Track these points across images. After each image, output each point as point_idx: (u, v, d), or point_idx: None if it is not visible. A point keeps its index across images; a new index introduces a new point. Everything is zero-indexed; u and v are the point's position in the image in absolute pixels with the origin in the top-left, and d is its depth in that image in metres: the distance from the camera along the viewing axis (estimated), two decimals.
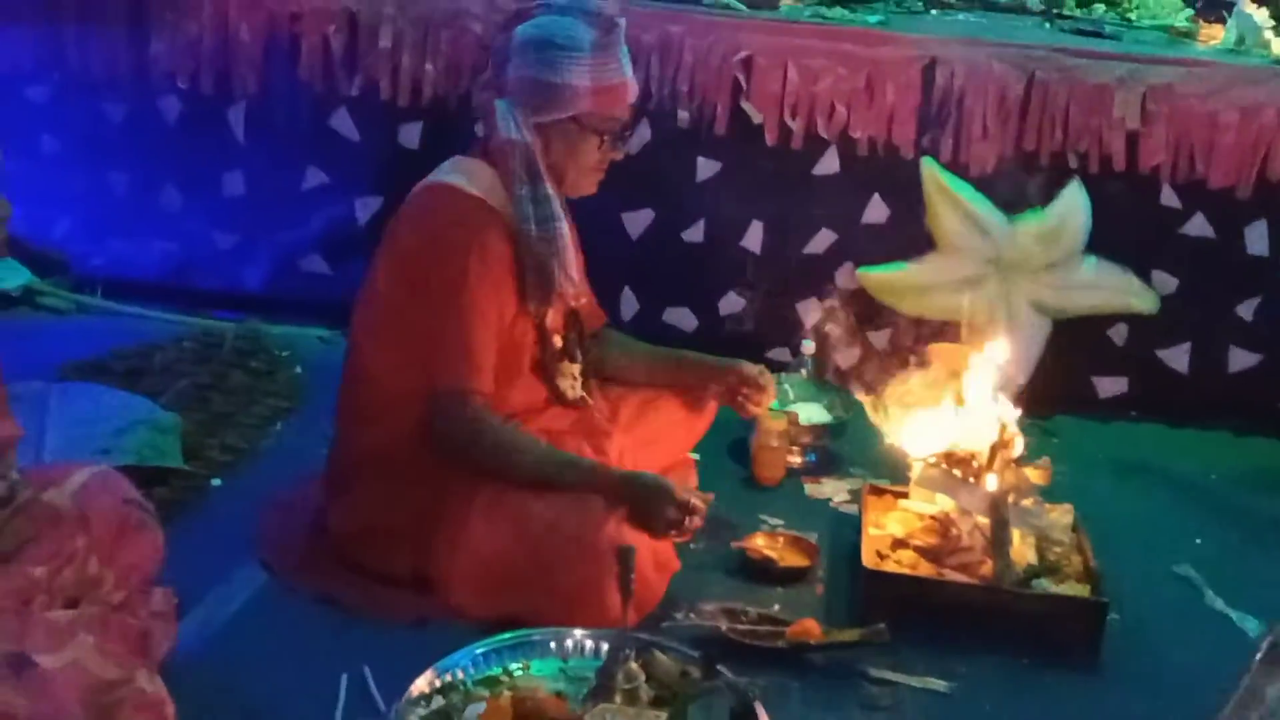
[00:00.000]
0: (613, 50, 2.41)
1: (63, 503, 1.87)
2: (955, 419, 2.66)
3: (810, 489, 3.01)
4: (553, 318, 2.53)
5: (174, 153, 3.75)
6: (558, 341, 2.56)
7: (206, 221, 3.79)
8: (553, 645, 2.15)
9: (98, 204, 3.80)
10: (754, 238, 3.59)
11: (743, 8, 3.56)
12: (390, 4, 3.55)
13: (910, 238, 3.35)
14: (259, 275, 3.79)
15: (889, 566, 2.48)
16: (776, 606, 2.44)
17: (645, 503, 2.36)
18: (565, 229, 2.44)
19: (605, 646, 2.11)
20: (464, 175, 2.45)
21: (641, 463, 2.57)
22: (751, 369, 2.79)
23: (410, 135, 3.62)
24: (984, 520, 2.49)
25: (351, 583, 2.37)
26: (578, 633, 2.17)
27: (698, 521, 2.40)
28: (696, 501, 2.39)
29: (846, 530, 2.72)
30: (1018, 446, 2.59)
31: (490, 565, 2.31)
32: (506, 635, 2.14)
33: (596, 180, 2.53)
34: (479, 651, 2.10)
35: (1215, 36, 3.83)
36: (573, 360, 2.60)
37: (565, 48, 2.38)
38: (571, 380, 2.60)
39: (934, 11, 4.00)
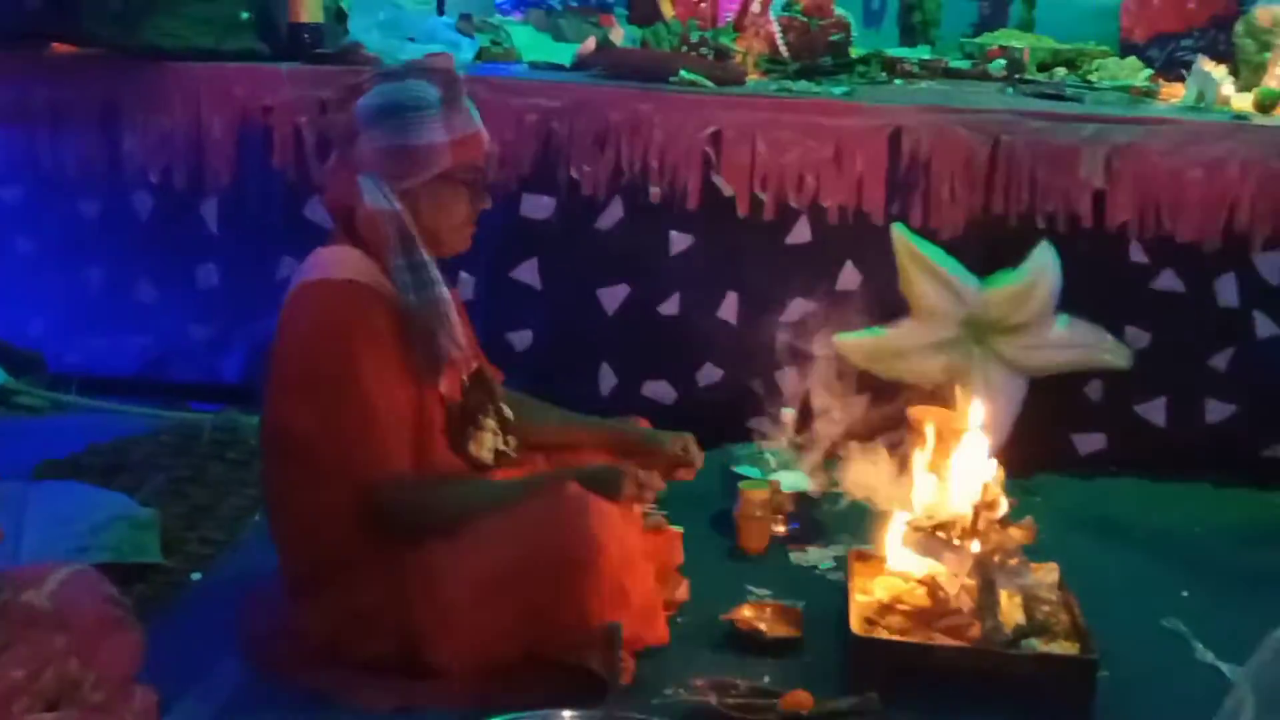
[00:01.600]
0: (458, 102, 2.40)
1: (41, 603, 1.86)
2: (934, 483, 2.66)
3: (795, 557, 3.00)
4: (448, 386, 2.45)
5: (148, 248, 3.76)
6: (458, 411, 2.50)
7: (182, 315, 3.79)
8: None
9: (72, 301, 3.80)
10: (729, 308, 3.61)
11: (710, 84, 3.60)
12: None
13: (884, 303, 3.37)
14: (235, 365, 3.78)
15: (877, 633, 2.46)
16: (766, 678, 2.42)
17: (599, 486, 2.37)
18: (446, 294, 2.39)
19: None
20: (326, 266, 2.41)
21: None
22: (676, 447, 2.69)
23: None
24: (970, 582, 2.48)
25: (334, 674, 2.34)
26: (566, 714, 2.14)
27: (653, 492, 2.43)
28: (648, 476, 2.42)
29: (833, 597, 2.70)
30: (1001, 507, 2.59)
31: (473, 593, 2.27)
32: (495, 719, 2.12)
33: (469, 234, 2.49)
34: None
35: (1176, 95, 3.89)
36: (478, 426, 2.53)
37: (416, 108, 2.35)
38: (492, 439, 2.55)
39: (898, 81, 4.06)
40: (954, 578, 2.51)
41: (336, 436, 2.31)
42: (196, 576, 2.75)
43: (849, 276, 3.57)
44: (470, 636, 2.28)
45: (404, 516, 2.34)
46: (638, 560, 2.42)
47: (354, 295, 2.35)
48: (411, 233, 2.35)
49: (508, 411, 2.61)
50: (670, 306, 3.62)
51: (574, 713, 2.14)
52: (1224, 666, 2.56)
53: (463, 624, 2.28)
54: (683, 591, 2.66)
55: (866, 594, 2.60)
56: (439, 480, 2.40)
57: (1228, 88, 3.75)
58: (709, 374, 3.65)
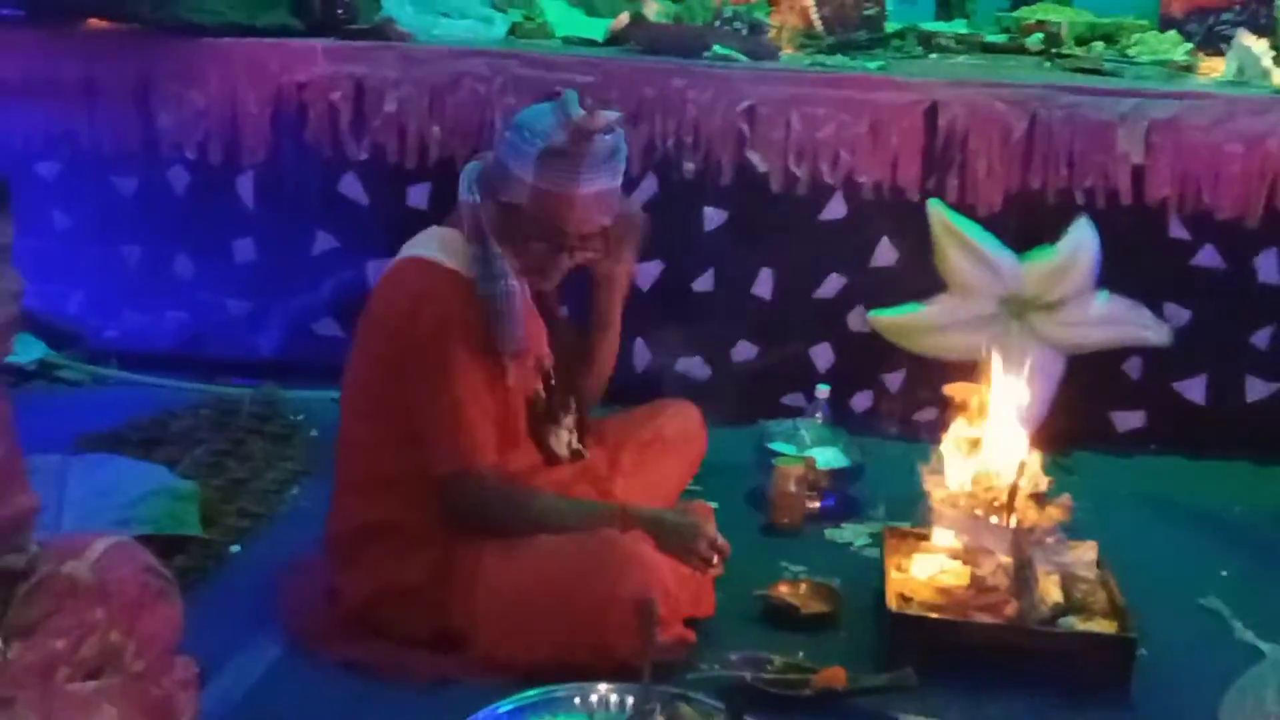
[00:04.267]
0: (573, 159, 2.31)
1: (82, 574, 1.87)
2: (971, 461, 2.65)
3: (830, 533, 3.00)
4: (516, 378, 2.42)
5: (185, 223, 3.78)
6: (537, 403, 2.52)
7: (219, 290, 3.81)
8: (577, 701, 2.14)
9: (110, 276, 3.83)
10: (764, 285, 3.60)
11: (744, 59, 3.58)
12: (395, 68, 3.59)
13: (920, 279, 3.34)
14: (272, 341, 3.80)
15: (913, 609, 2.45)
16: (801, 654, 2.42)
17: (673, 541, 2.39)
18: (515, 287, 2.35)
19: (630, 700, 2.10)
20: (437, 246, 2.43)
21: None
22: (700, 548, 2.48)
23: (419, 196, 3.65)
24: (1007, 560, 2.47)
25: (372, 646, 2.36)
26: (602, 688, 2.15)
27: (726, 554, 2.44)
28: (722, 540, 2.42)
29: (868, 574, 2.70)
30: (1039, 484, 2.58)
31: (510, 605, 2.30)
32: (531, 693, 2.13)
33: (542, 278, 2.45)
34: (503, 710, 2.09)
35: (1215, 69, 3.85)
36: (555, 420, 2.56)
37: (525, 138, 2.33)
38: (567, 436, 2.58)
39: (933, 55, 4.03)
40: (989, 555, 2.50)
41: (426, 420, 2.35)
42: (235, 549, 2.77)
43: (884, 253, 3.55)
44: (502, 642, 2.30)
45: (470, 516, 2.37)
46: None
47: (452, 287, 2.37)
48: (485, 228, 2.36)
49: (583, 412, 2.64)
50: (704, 283, 3.62)
51: (611, 686, 2.15)
52: (1263, 645, 2.54)
53: (496, 630, 2.31)
54: (718, 567, 2.65)
55: (902, 571, 2.60)
56: (516, 487, 2.43)
57: (1268, 62, 3.70)
58: (744, 350, 3.64)
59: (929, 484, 2.67)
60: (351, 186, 3.68)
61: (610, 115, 2.35)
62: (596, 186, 2.35)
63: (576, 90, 2.42)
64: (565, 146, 2.31)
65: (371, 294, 2.52)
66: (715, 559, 2.43)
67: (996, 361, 2.81)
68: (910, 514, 2.78)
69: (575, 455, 2.61)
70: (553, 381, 2.55)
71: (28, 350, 3.67)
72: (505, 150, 2.37)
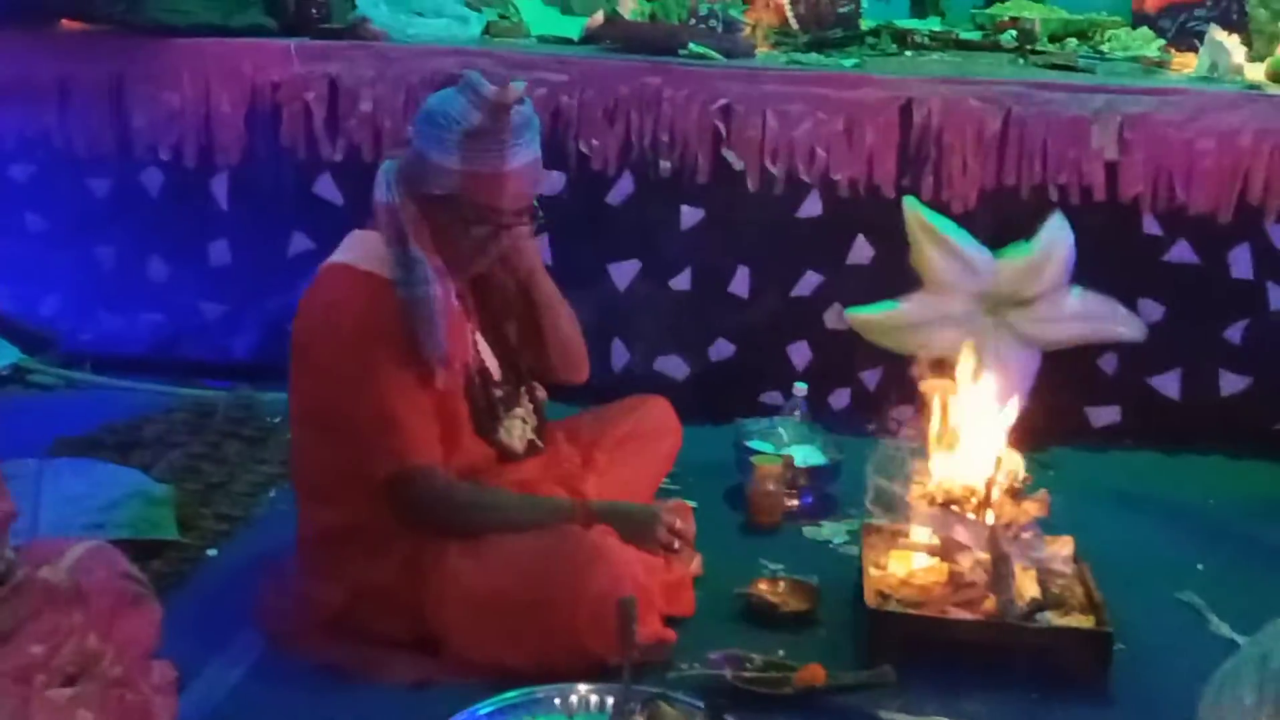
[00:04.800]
0: (495, 137, 2.29)
1: (59, 579, 1.86)
2: (947, 456, 2.66)
3: (809, 531, 3.00)
4: (444, 381, 2.39)
5: (159, 225, 3.76)
6: (478, 399, 2.50)
7: (194, 292, 3.79)
8: (558, 701, 2.14)
9: (84, 279, 3.80)
10: (741, 283, 3.60)
11: (720, 57, 3.59)
12: (369, 68, 3.58)
13: (896, 276, 3.34)
14: (248, 343, 3.78)
15: (891, 606, 2.46)
16: (781, 652, 2.43)
17: (632, 530, 2.41)
18: (436, 292, 2.32)
19: (611, 701, 2.10)
20: (356, 250, 2.41)
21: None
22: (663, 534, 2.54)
23: None
24: (984, 556, 2.48)
25: (350, 649, 2.35)
26: (582, 688, 2.16)
27: (688, 539, 2.48)
28: (682, 522, 2.46)
29: (847, 571, 2.70)
30: (1016, 480, 2.59)
31: (481, 606, 2.29)
32: (510, 694, 2.13)
33: (477, 265, 2.45)
34: (483, 711, 2.09)
35: (1188, 65, 3.87)
36: (501, 415, 2.53)
37: (441, 125, 2.30)
38: (522, 427, 2.57)
39: (908, 53, 4.03)
40: (966, 551, 2.51)
41: (359, 425, 2.33)
42: (213, 553, 2.76)
43: (860, 250, 3.56)
44: (476, 642, 2.29)
45: (423, 515, 2.37)
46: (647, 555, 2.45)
47: (371, 290, 2.34)
48: (405, 229, 2.32)
49: (542, 394, 2.63)
50: (682, 281, 3.62)
51: (590, 686, 2.15)
52: (1240, 639, 2.56)
53: (469, 630, 2.30)
54: (696, 566, 2.66)
55: (880, 568, 2.61)
56: (464, 484, 2.42)
57: (1240, 58, 3.72)
58: (721, 349, 3.64)
59: (908, 481, 2.69)
60: (327, 187, 3.67)
61: (518, 86, 2.33)
62: (521, 160, 2.34)
63: (523, 81, 2.41)
64: (485, 125, 2.29)
65: (299, 304, 2.48)
66: (677, 543, 2.46)
67: (970, 358, 2.82)
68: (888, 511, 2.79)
69: (531, 447, 2.58)
70: (496, 376, 2.53)
71: (0, 355, 3.64)
72: (422, 142, 2.33)
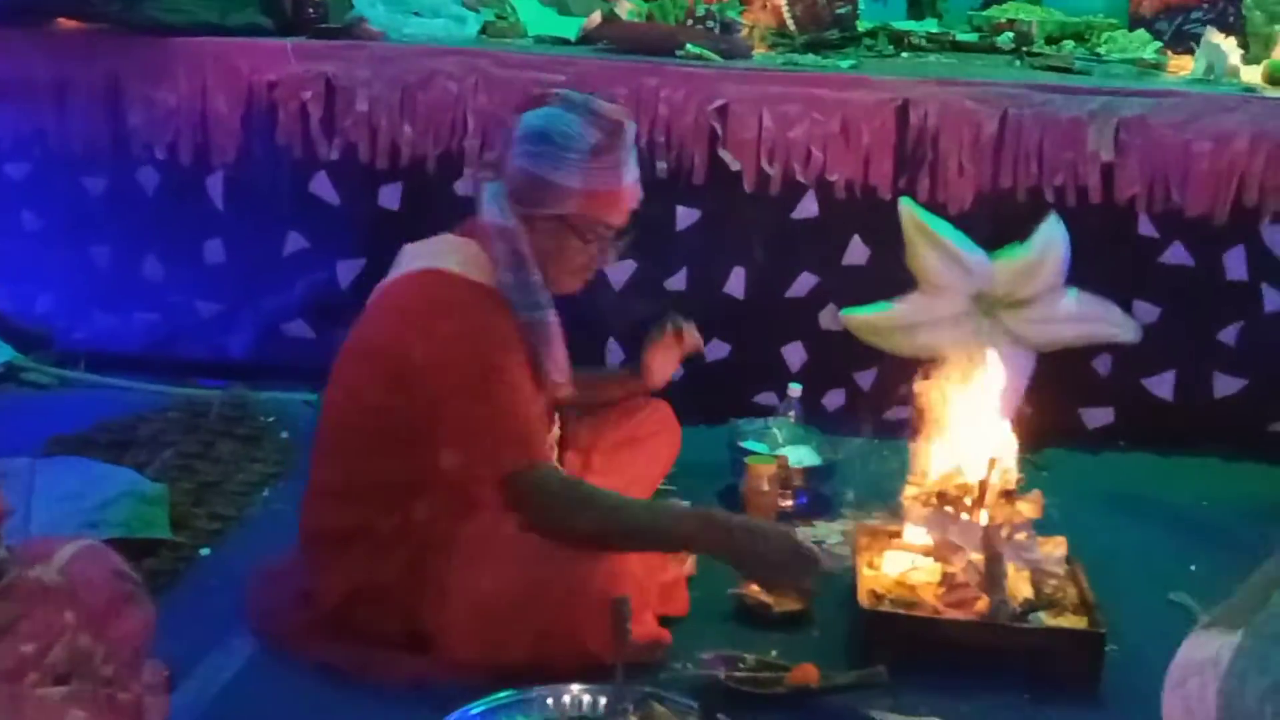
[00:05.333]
0: (613, 155, 2.34)
1: (51, 578, 1.86)
2: (941, 457, 2.66)
3: (802, 532, 2.99)
4: (549, 400, 2.48)
5: (154, 224, 3.76)
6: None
7: (189, 291, 3.78)
8: (550, 702, 2.14)
9: (79, 278, 3.80)
10: (736, 284, 3.60)
11: (716, 58, 3.59)
12: (366, 67, 3.57)
13: (892, 277, 3.35)
14: (243, 342, 3.78)
15: (885, 607, 2.46)
16: (774, 652, 2.43)
17: (753, 553, 2.32)
18: (552, 318, 2.38)
19: (603, 701, 2.10)
20: (457, 258, 2.39)
21: None
22: (655, 345, 2.85)
23: (390, 197, 3.64)
24: (978, 556, 2.48)
25: (344, 648, 2.35)
26: (575, 688, 2.16)
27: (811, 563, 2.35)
28: (809, 546, 2.36)
29: (840, 572, 2.70)
30: (1009, 481, 2.59)
31: (480, 606, 2.28)
32: (503, 694, 2.13)
33: (580, 281, 2.48)
34: (476, 711, 2.09)
35: (1184, 67, 3.87)
36: (548, 428, 2.55)
37: (560, 145, 2.32)
38: (555, 433, 2.59)
39: (904, 54, 4.04)
40: (960, 552, 2.51)
41: (487, 427, 2.29)
42: (205, 552, 2.76)
43: (856, 251, 3.56)
44: (473, 642, 2.27)
45: (546, 506, 2.31)
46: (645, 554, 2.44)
47: (486, 298, 2.35)
48: (524, 252, 2.34)
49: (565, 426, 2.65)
50: (677, 282, 3.62)
51: (583, 686, 2.15)
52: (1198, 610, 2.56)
53: (467, 631, 2.28)
54: (689, 566, 2.66)
55: (874, 568, 2.61)
56: (586, 483, 2.42)
57: (1236, 60, 3.73)
58: (716, 349, 3.64)
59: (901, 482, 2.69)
60: (323, 186, 3.67)
61: (616, 104, 2.38)
62: (632, 176, 2.41)
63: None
64: (604, 143, 2.32)
65: (381, 303, 2.45)
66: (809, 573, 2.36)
67: (965, 359, 2.82)
68: (882, 512, 2.79)
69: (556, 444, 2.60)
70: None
71: None
72: (535, 163, 2.33)
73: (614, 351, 3.65)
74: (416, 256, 2.46)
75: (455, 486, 2.36)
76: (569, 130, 2.32)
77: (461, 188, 3.57)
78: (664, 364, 2.92)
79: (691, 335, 2.92)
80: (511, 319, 2.35)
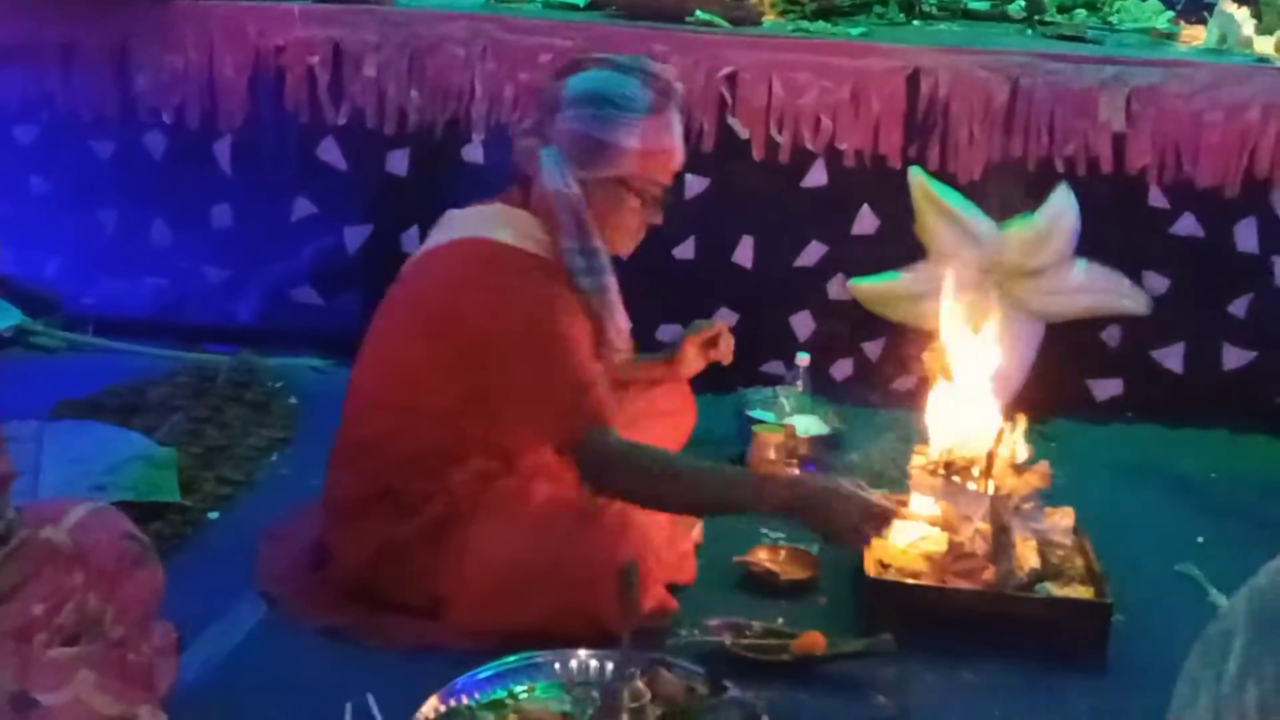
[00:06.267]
0: (667, 114, 2.39)
1: (60, 539, 1.86)
2: (948, 427, 2.66)
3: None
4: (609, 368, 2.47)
5: (162, 188, 3.75)
6: None
7: (197, 256, 3.78)
8: (557, 667, 2.14)
9: (87, 242, 3.80)
10: (744, 252, 3.60)
11: (726, 24, 3.57)
12: (374, 32, 3.56)
13: (901, 247, 3.34)
14: (250, 308, 3.78)
15: (892, 576, 2.46)
16: (780, 620, 2.43)
17: (824, 509, 2.28)
18: (614, 283, 2.40)
19: (610, 666, 2.10)
20: (510, 229, 2.38)
21: None
22: (694, 338, 2.84)
23: (398, 162, 3.63)
24: (985, 526, 2.48)
25: (353, 611, 2.36)
26: (582, 653, 2.16)
27: (885, 521, 2.33)
28: (881, 501, 2.32)
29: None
30: (1017, 452, 2.59)
31: (497, 572, 2.29)
32: (511, 658, 2.13)
33: (633, 242, 2.49)
34: (483, 675, 2.09)
35: (1197, 37, 3.85)
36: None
37: (620, 107, 2.34)
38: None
39: (915, 22, 4.02)
40: (966, 521, 2.51)
41: (555, 392, 2.28)
42: (214, 516, 2.77)
43: (865, 220, 3.55)
44: (487, 608, 2.28)
45: (619, 468, 2.28)
46: (662, 524, 2.44)
47: (547, 270, 2.35)
48: (586, 218, 2.35)
49: None
50: (685, 250, 3.61)
51: (590, 652, 2.15)
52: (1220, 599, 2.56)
53: (481, 596, 2.29)
54: (697, 534, 2.66)
55: (881, 538, 2.60)
56: (651, 446, 2.38)
57: (1249, 30, 3.71)
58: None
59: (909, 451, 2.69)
60: (330, 152, 3.66)
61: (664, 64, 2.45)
62: (680, 134, 2.44)
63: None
64: (660, 104, 2.36)
65: (430, 270, 2.44)
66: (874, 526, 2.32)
67: (961, 326, 2.81)
68: (888, 482, 2.79)
69: None
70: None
71: (3, 317, 3.65)
72: (595, 126, 2.34)
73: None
74: (465, 224, 2.45)
75: (495, 454, 2.37)
76: (627, 92, 2.35)
77: (469, 153, 3.57)
78: (697, 357, 2.91)
79: (727, 345, 2.89)
80: (571, 289, 2.36)
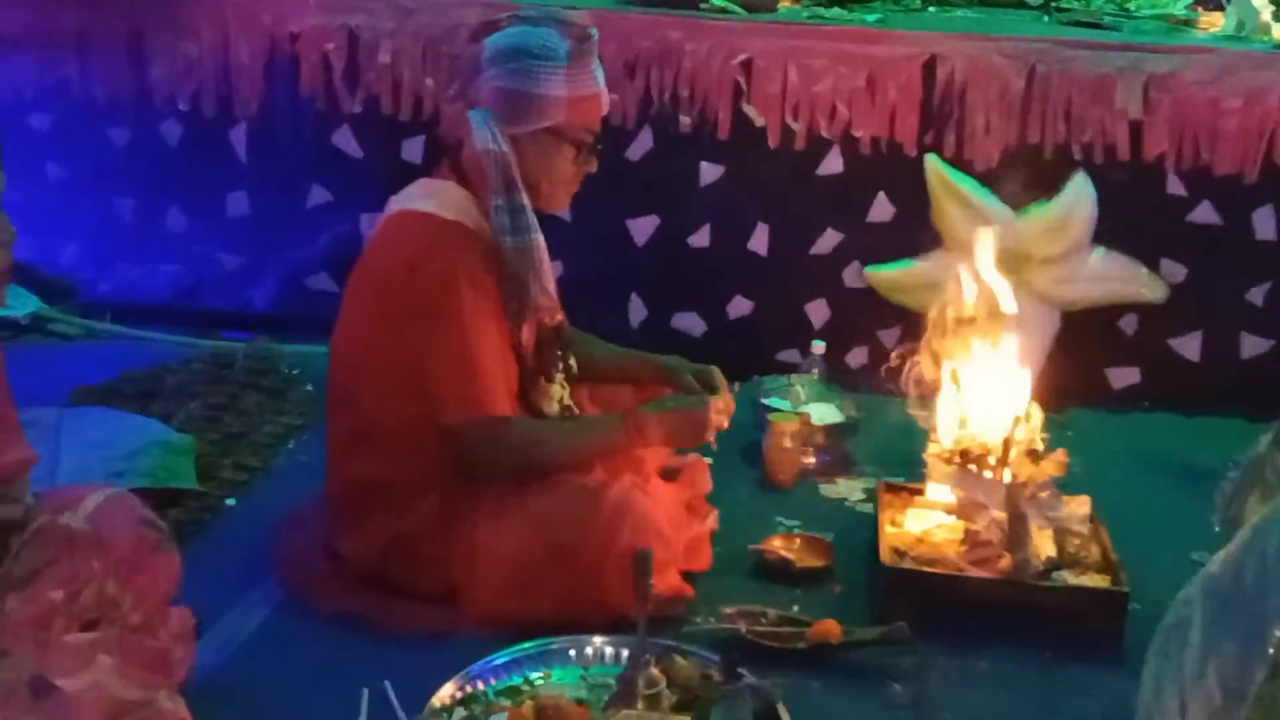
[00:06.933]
0: (587, 61, 2.39)
1: (78, 525, 1.87)
2: (964, 415, 2.65)
3: (825, 489, 3.00)
4: (526, 335, 2.47)
5: (178, 176, 3.77)
6: (530, 361, 2.50)
7: (212, 243, 3.80)
8: (573, 653, 2.15)
9: (104, 229, 3.81)
10: (760, 240, 3.59)
11: (741, 11, 3.56)
12: (389, 19, 3.56)
13: (916, 235, 3.34)
14: (266, 295, 3.79)
15: (907, 564, 2.46)
16: (795, 608, 2.43)
17: (684, 424, 2.48)
18: (541, 241, 2.39)
19: (626, 653, 2.11)
20: (434, 199, 2.41)
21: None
22: (692, 381, 2.69)
23: (413, 149, 3.63)
24: (1001, 514, 2.48)
25: (369, 598, 2.36)
26: (598, 640, 2.17)
27: (726, 416, 2.52)
28: (720, 400, 2.52)
29: (862, 529, 2.71)
30: (1034, 440, 2.58)
31: (507, 559, 2.30)
32: (527, 644, 2.14)
33: (570, 194, 2.50)
34: (500, 662, 2.10)
35: (1215, 24, 3.83)
36: (550, 379, 2.54)
37: (541, 57, 2.34)
38: (559, 391, 2.56)
39: (932, 8, 4.00)
40: (983, 510, 2.51)
41: (437, 369, 2.33)
42: (231, 502, 2.78)
43: (881, 208, 3.54)
44: (499, 595, 2.29)
45: (489, 459, 2.35)
46: (672, 510, 2.46)
47: (458, 235, 2.37)
48: (514, 176, 2.35)
49: (574, 366, 2.62)
50: (700, 238, 3.61)
51: (606, 638, 2.16)
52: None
53: (494, 583, 2.30)
54: (712, 521, 2.67)
55: (896, 525, 2.61)
56: (519, 420, 2.43)
57: (1267, 16, 3.68)
58: (739, 306, 3.63)
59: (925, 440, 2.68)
60: (345, 139, 3.66)
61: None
62: (602, 81, 2.45)
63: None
64: (578, 51, 2.36)
65: (367, 248, 2.51)
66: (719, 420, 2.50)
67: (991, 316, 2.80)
68: (904, 470, 2.79)
69: (565, 411, 2.58)
70: (544, 334, 2.53)
71: (21, 304, 3.66)
72: (519, 79, 2.35)
73: (636, 307, 3.64)
74: (397, 201, 2.49)
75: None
76: (546, 43, 2.36)
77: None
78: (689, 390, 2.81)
79: (727, 400, 2.66)
80: (483, 257, 2.36)
